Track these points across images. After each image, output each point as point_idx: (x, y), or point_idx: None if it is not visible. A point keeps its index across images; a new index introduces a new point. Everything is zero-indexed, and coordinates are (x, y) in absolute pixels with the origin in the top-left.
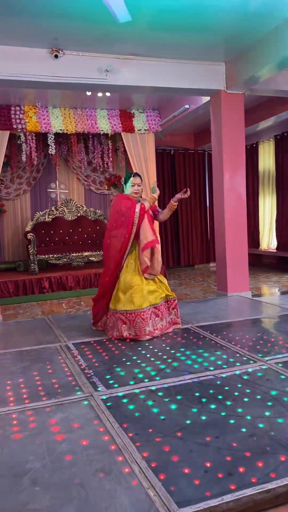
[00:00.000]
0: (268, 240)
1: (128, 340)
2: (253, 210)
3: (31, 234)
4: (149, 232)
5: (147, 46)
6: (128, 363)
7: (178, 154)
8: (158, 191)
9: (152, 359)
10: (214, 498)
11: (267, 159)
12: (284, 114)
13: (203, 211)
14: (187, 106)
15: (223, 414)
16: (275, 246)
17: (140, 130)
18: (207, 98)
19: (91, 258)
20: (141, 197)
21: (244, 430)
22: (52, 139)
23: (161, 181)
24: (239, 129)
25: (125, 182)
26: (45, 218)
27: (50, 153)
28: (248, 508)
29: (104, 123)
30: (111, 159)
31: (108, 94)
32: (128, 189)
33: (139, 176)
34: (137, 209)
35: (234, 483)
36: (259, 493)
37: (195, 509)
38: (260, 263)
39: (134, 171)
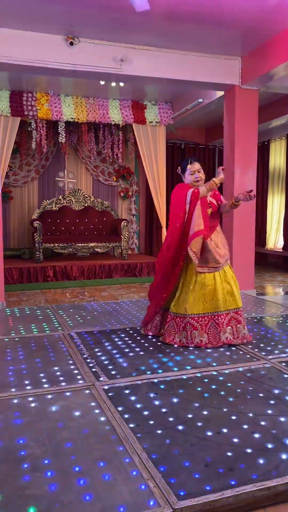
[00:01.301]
0: (275, 240)
1: (204, 347)
2: (261, 209)
3: (38, 222)
4: (200, 220)
5: (163, 37)
6: (130, 354)
7: (188, 149)
8: (221, 175)
9: (155, 352)
10: (214, 493)
11: (278, 158)
12: None
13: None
14: (200, 100)
15: (225, 410)
16: (282, 246)
17: (151, 122)
18: (221, 93)
19: (96, 249)
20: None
21: (245, 426)
22: (63, 127)
23: (170, 175)
24: (252, 126)
25: (183, 172)
26: (52, 207)
27: (60, 141)
28: (247, 504)
29: (116, 114)
30: (121, 150)
31: (121, 84)
32: (188, 178)
33: (198, 161)
34: (189, 193)
35: (235, 478)
36: (259, 490)
37: (195, 503)
38: (266, 262)
39: (190, 158)
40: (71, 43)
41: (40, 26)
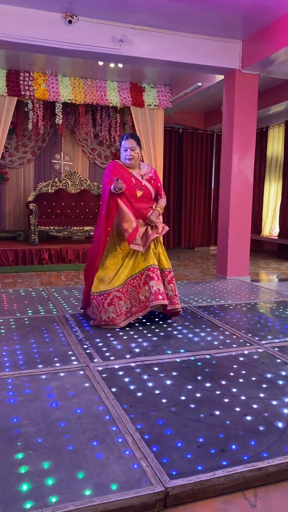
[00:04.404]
0: (271, 227)
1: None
2: (258, 196)
3: (33, 204)
4: (129, 216)
5: (164, 17)
6: (125, 337)
7: (186, 133)
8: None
9: (149, 335)
10: (205, 473)
11: (276, 145)
12: None
13: (208, 193)
14: (199, 84)
15: (218, 392)
16: (277, 233)
17: (150, 105)
18: (221, 77)
19: (92, 233)
20: (141, 162)
21: (238, 409)
22: (60, 108)
23: (167, 159)
24: (251, 111)
25: (120, 146)
26: (48, 189)
27: (57, 122)
28: (238, 484)
29: (114, 96)
30: (118, 133)
31: (120, 65)
32: (122, 154)
33: (134, 137)
34: (112, 187)
35: (226, 459)
36: (250, 471)
37: (187, 482)
38: (261, 249)
39: (128, 134)
40: (70, 22)
41: (38, 3)
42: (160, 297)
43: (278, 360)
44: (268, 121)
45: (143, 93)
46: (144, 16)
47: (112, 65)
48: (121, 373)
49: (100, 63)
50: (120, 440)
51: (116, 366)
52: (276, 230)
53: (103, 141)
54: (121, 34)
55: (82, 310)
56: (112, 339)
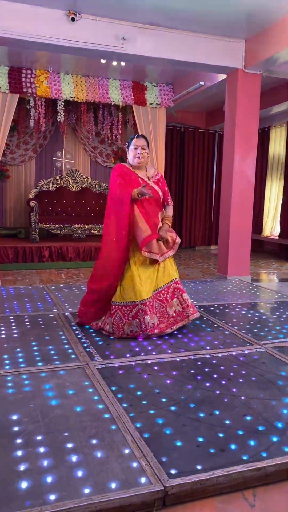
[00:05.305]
0: (272, 227)
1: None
2: (259, 196)
3: (34, 202)
4: (144, 226)
5: (167, 16)
6: (125, 336)
7: (188, 132)
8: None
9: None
10: (205, 472)
11: (278, 145)
12: None
13: (209, 193)
14: (202, 83)
15: (217, 392)
16: (278, 234)
17: (152, 104)
18: (223, 76)
19: (92, 231)
20: (147, 164)
21: (237, 409)
22: (62, 106)
23: (169, 158)
24: (253, 111)
25: (128, 146)
26: (49, 187)
27: (58, 120)
28: (237, 484)
29: (116, 94)
30: (120, 131)
31: (122, 63)
32: (131, 153)
33: (144, 138)
34: (136, 192)
35: (226, 459)
36: (249, 471)
37: (186, 481)
38: (262, 249)
39: (138, 134)
40: (73, 19)
41: (41, 0)
42: (195, 308)
43: (278, 360)
44: (270, 121)
45: (145, 91)
46: (147, 15)
47: (114, 63)
48: (121, 372)
49: (103, 61)
50: (119, 438)
51: (116, 365)
52: (277, 230)
53: (104, 139)
54: (124, 32)
55: (77, 322)
56: (112, 337)
